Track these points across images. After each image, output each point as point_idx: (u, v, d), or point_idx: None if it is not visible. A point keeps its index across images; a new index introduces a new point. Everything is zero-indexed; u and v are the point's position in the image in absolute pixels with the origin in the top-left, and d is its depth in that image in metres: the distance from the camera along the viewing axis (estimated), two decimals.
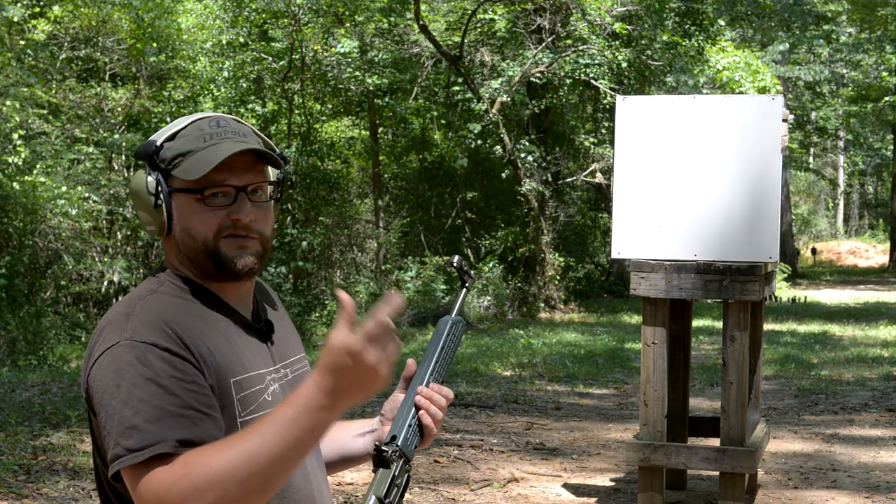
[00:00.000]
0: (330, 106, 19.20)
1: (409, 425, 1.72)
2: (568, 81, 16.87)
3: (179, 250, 1.74)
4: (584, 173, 18.44)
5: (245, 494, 1.48)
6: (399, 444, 1.68)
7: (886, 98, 31.16)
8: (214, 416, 1.60)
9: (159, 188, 1.71)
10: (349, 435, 1.95)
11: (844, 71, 31.93)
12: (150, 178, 1.72)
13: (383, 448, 1.63)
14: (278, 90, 17.90)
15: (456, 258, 1.89)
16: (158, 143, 1.72)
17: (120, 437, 1.54)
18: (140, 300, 1.68)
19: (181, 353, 1.61)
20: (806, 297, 20.99)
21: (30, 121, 14.64)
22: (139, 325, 1.62)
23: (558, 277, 18.28)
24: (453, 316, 1.89)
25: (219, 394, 1.64)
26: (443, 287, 16.47)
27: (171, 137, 1.73)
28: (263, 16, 17.45)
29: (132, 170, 17.66)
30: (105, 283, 15.82)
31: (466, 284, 1.92)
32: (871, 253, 38.06)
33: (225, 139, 1.71)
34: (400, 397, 1.86)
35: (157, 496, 1.50)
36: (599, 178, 18.07)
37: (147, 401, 1.54)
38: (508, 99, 16.47)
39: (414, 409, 1.74)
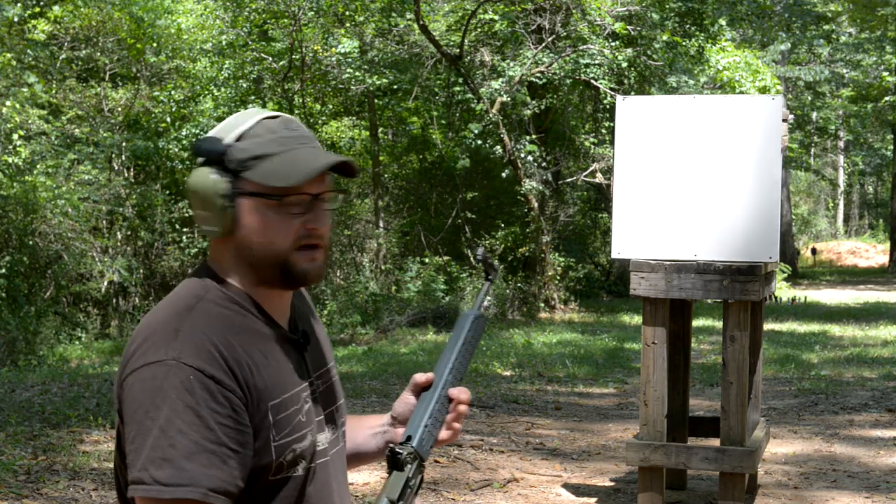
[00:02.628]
0: (330, 106, 19.20)
1: (425, 426, 1.72)
2: (568, 81, 16.87)
3: (241, 256, 1.69)
4: (584, 173, 18.44)
5: None
6: (414, 444, 1.68)
7: (886, 98, 31.16)
8: (244, 453, 1.59)
9: (233, 191, 1.65)
10: (364, 433, 1.94)
11: (844, 71, 31.94)
12: (217, 178, 1.66)
13: (398, 450, 1.65)
14: (278, 90, 17.90)
15: (480, 250, 1.87)
16: (227, 143, 1.67)
17: (150, 463, 1.52)
18: (188, 311, 1.63)
19: (225, 381, 1.58)
20: (806, 297, 20.99)
21: (30, 121, 14.64)
22: (188, 346, 1.58)
23: (558, 277, 18.28)
24: (475, 310, 1.87)
25: (256, 418, 1.62)
26: (443, 287, 16.47)
27: (240, 137, 1.67)
28: (263, 16, 17.45)
29: (130, 171, 17.67)
30: (105, 283, 15.82)
31: (490, 278, 1.90)
32: (871, 253, 38.06)
33: (303, 145, 1.68)
34: (408, 398, 1.86)
35: None
36: (599, 178, 18.07)
37: (185, 432, 1.52)
38: (508, 99, 16.47)
39: (430, 409, 1.74)
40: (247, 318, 1.68)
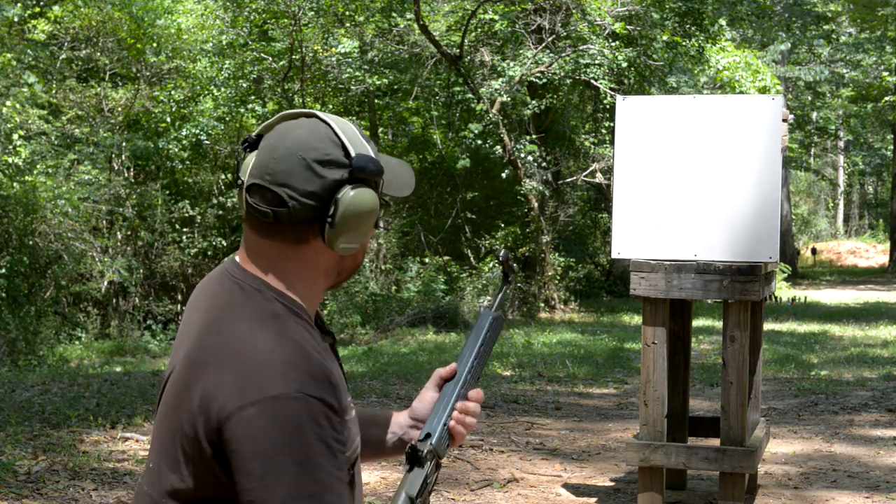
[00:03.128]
0: (330, 106, 19.20)
1: (444, 424, 1.74)
2: (568, 81, 16.87)
3: (323, 268, 1.70)
4: (584, 173, 18.45)
5: None
6: (434, 442, 1.70)
7: (886, 98, 31.16)
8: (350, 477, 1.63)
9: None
10: (383, 430, 1.94)
11: (844, 71, 31.94)
12: (371, 197, 1.66)
13: (419, 447, 1.67)
14: (278, 90, 17.90)
15: (502, 252, 1.90)
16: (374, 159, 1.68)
17: (293, 500, 1.51)
18: (280, 334, 1.60)
19: (337, 407, 1.59)
20: (806, 297, 20.99)
21: (30, 121, 14.64)
22: (304, 375, 1.55)
23: (558, 277, 18.28)
24: (493, 311, 1.89)
25: (344, 434, 1.64)
26: (443, 287, 16.48)
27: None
28: (263, 16, 17.45)
29: (130, 171, 17.68)
30: (105, 283, 15.82)
31: (509, 279, 1.92)
32: (871, 253, 38.08)
33: (376, 151, 1.72)
34: (428, 395, 1.87)
35: None
36: (599, 178, 18.07)
37: (322, 466, 1.53)
38: (509, 99, 16.47)
39: (449, 409, 1.76)
40: (314, 331, 1.67)
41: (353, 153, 1.65)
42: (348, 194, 1.63)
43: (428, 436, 1.71)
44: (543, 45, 16.52)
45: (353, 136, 1.67)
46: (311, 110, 1.71)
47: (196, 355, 1.62)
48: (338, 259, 1.69)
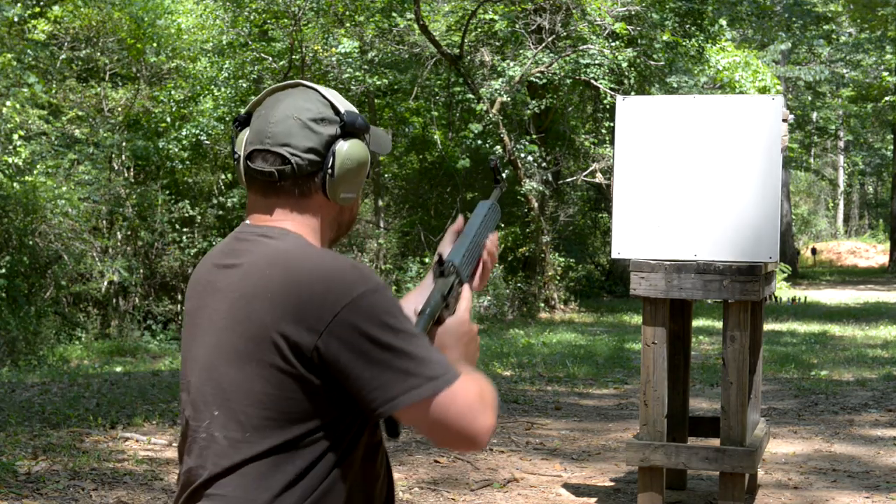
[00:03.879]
0: None
1: (464, 255, 1.92)
2: (568, 81, 16.87)
3: (332, 218, 1.84)
4: (584, 173, 18.45)
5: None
6: (456, 262, 1.88)
7: (886, 98, 31.17)
8: None
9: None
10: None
11: (844, 71, 31.93)
12: (367, 149, 1.83)
13: (445, 259, 1.86)
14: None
15: (492, 158, 2.08)
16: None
17: (419, 369, 1.64)
18: (336, 255, 1.75)
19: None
20: (806, 297, 20.99)
21: (30, 121, 14.63)
22: (370, 273, 1.71)
23: (558, 277, 18.28)
24: (490, 202, 2.08)
25: None
26: None
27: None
28: (263, 16, 17.45)
29: (130, 171, 17.68)
30: (105, 283, 15.82)
31: (499, 181, 2.12)
32: (871, 253, 38.08)
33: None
34: (446, 249, 2.02)
35: (469, 407, 1.66)
36: (599, 178, 18.07)
37: (418, 336, 1.67)
38: (509, 99, 16.47)
39: (469, 242, 1.95)
40: None
41: (342, 110, 1.81)
42: (343, 146, 1.79)
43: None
44: (543, 45, 16.52)
45: (338, 98, 1.83)
46: (296, 80, 1.86)
47: (260, 293, 1.70)
48: (337, 210, 1.84)
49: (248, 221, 1.83)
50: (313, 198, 1.80)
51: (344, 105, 1.82)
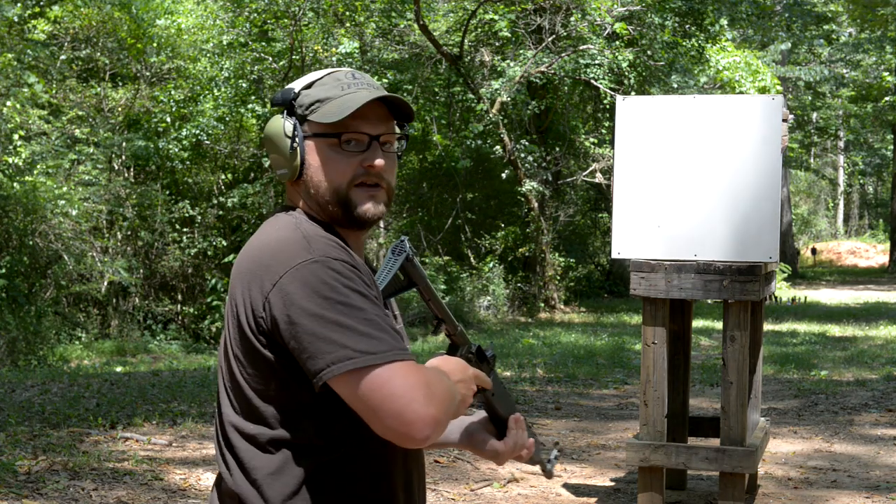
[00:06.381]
0: None
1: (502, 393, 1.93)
2: (568, 81, 16.86)
3: (310, 195, 1.80)
4: (584, 173, 18.44)
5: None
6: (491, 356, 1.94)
7: (886, 98, 31.15)
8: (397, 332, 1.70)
9: (295, 133, 1.78)
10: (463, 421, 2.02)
11: (844, 71, 31.93)
12: (287, 123, 1.79)
13: (486, 350, 1.91)
14: (278, 90, 17.89)
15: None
16: (297, 91, 1.80)
17: (354, 341, 1.59)
18: (298, 227, 1.72)
19: (363, 270, 1.71)
20: (806, 297, 20.99)
21: (30, 121, 14.63)
22: (326, 247, 1.68)
23: (558, 277, 18.28)
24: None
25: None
26: (443, 287, 16.47)
27: (309, 86, 1.81)
28: (263, 16, 17.44)
29: (130, 171, 17.68)
30: (105, 283, 15.82)
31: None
32: (871, 253, 38.07)
33: (362, 88, 1.79)
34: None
35: (408, 389, 1.58)
36: (599, 178, 18.07)
37: (364, 309, 1.62)
38: (509, 99, 16.47)
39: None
40: (340, 241, 1.77)
41: (294, 89, 1.82)
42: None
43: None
44: (543, 45, 16.52)
45: (306, 77, 1.83)
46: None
47: (235, 270, 1.76)
48: (306, 185, 1.80)
49: None
50: (301, 179, 1.83)
51: (298, 82, 1.83)
